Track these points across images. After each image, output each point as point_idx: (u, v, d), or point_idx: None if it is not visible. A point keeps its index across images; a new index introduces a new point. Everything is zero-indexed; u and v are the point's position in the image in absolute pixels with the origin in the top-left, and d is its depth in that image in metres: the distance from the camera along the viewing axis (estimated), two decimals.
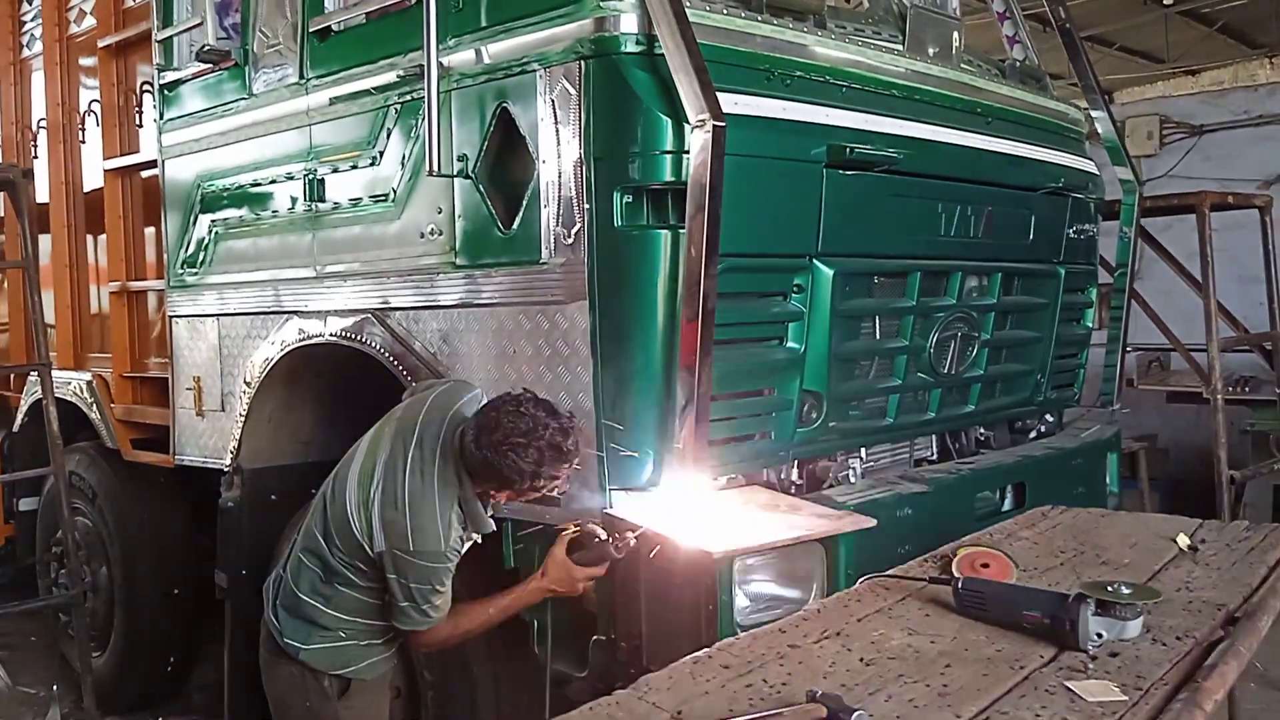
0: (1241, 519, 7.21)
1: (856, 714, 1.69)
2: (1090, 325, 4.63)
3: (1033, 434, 4.50)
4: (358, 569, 2.78)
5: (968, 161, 3.68)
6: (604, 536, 2.77)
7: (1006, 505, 3.92)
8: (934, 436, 4.08)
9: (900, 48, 3.60)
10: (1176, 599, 2.35)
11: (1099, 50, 14.31)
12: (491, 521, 2.85)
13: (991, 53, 4.66)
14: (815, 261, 3.19)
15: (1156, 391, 8.36)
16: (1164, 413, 8.68)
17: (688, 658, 2.06)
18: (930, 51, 3.66)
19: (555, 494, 2.81)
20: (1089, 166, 4.42)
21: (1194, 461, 7.73)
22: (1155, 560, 2.68)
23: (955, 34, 3.78)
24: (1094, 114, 4.60)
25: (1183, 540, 2.80)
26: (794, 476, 3.45)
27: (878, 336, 3.52)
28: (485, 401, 2.80)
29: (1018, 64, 4.32)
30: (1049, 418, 4.58)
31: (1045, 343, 4.22)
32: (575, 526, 2.86)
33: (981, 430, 4.28)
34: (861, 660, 2.01)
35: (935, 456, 4.09)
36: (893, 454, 3.91)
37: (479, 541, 2.90)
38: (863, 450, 3.71)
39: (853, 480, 3.57)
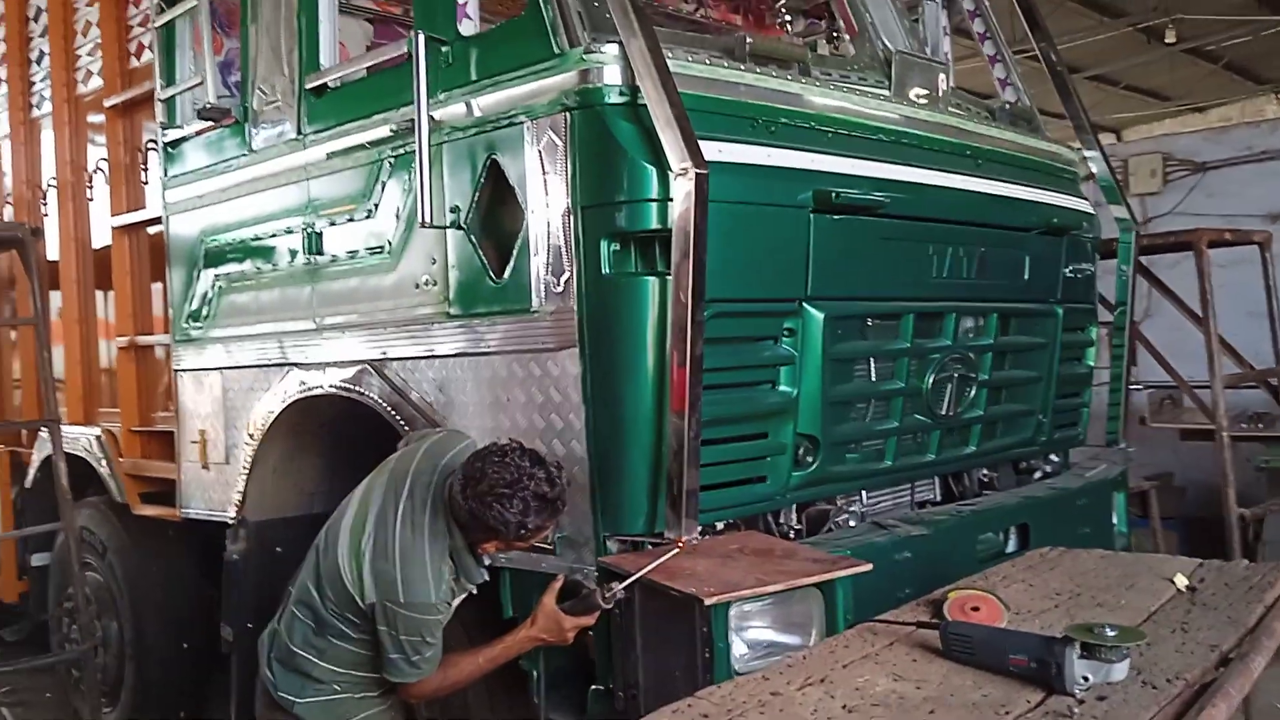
0: (1261, 557, 7.17)
1: None
2: (1092, 364, 4.62)
3: (1038, 474, 4.47)
4: (350, 621, 2.79)
5: (958, 204, 3.70)
6: (592, 586, 2.77)
7: (1010, 547, 3.89)
8: (936, 478, 4.07)
9: (887, 93, 3.63)
10: (1170, 640, 2.32)
11: (1105, 89, 14.40)
12: (483, 573, 2.86)
13: (989, 94, 4.71)
14: (805, 305, 3.20)
15: (1170, 429, 8.29)
16: (1179, 451, 8.59)
17: (666, 707, 2.05)
18: (916, 96, 3.70)
19: (547, 542, 2.81)
20: (1084, 206, 4.44)
21: (1211, 499, 7.63)
22: (1152, 601, 2.65)
23: (942, 78, 3.82)
24: (1087, 154, 4.62)
25: (1181, 581, 2.77)
26: (792, 521, 3.44)
27: (872, 379, 3.52)
28: (472, 452, 2.81)
29: (1008, 106, 4.34)
30: (1054, 458, 4.56)
31: (1046, 382, 4.21)
32: (564, 575, 2.86)
33: (985, 471, 4.27)
34: (844, 707, 1.99)
35: (938, 498, 4.07)
36: (894, 496, 3.89)
37: (474, 593, 2.90)
38: (862, 493, 3.71)
39: (852, 524, 3.56)
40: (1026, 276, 4.05)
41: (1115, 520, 4.43)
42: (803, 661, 2.30)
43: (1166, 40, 11.87)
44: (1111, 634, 2.04)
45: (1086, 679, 2.02)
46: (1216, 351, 5.40)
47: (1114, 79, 13.95)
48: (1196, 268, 5.44)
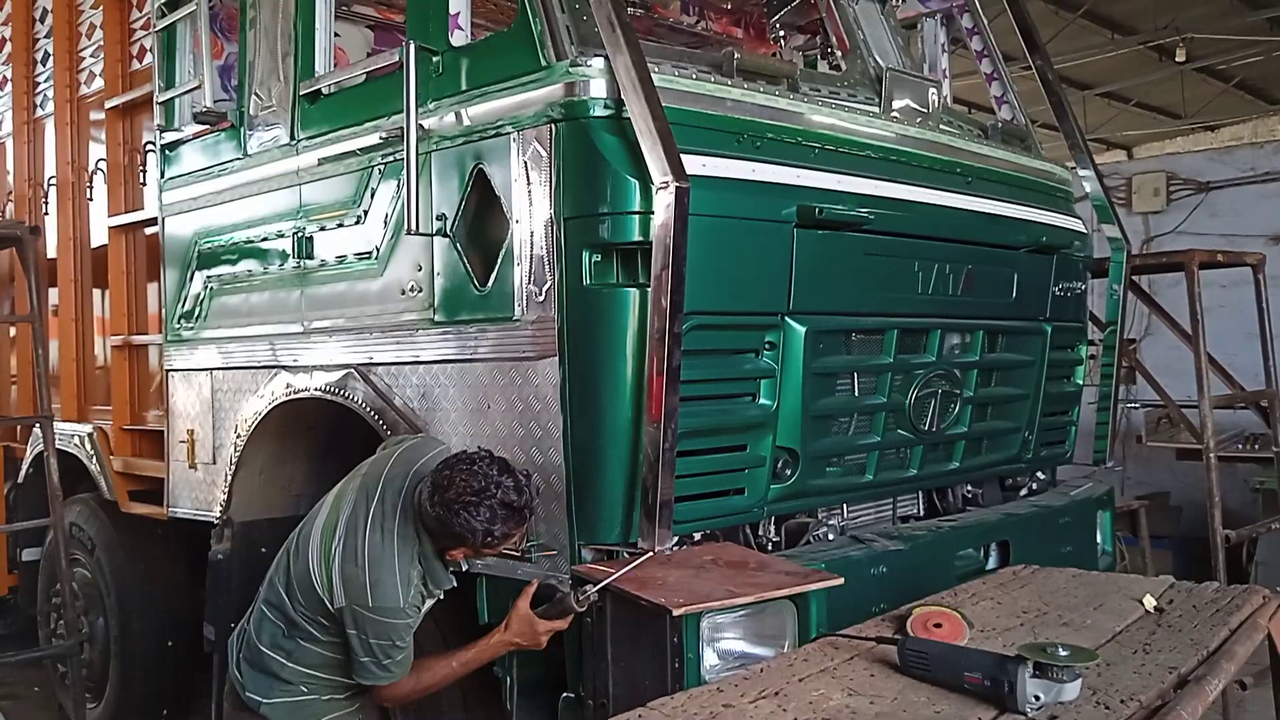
0: (1254, 578, 7.15)
1: None
2: (1081, 382, 4.63)
3: (1023, 491, 4.48)
4: (319, 624, 2.81)
5: (946, 221, 3.72)
6: (567, 590, 2.79)
7: (991, 564, 3.90)
8: (919, 493, 4.08)
9: (876, 109, 3.65)
10: (1131, 661, 2.33)
11: (1115, 106, 14.42)
12: (452, 579, 2.88)
13: (987, 110, 4.72)
14: (787, 319, 3.22)
15: (1168, 449, 8.29)
16: (1175, 470, 8.59)
17: (618, 717, 2.06)
18: (906, 112, 3.71)
19: (515, 549, 2.83)
20: (1076, 224, 4.44)
21: (1205, 519, 7.64)
22: (1118, 621, 2.66)
23: (933, 94, 3.84)
24: (1082, 172, 4.63)
25: (1149, 602, 2.78)
26: (770, 533, 3.46)
27: (855, 393, 3.53)
28: (441, 460, 2.83)
29: (1001, 124, 4.36)
30: (1041, 475, 4.56)
31: (1032, 400, 4.21)
32: (538, 580, 2.88)
33: (969, 488, 4.27)
34: None
35: (921, 514, 4.08)
36: (876, 511, 3.91)
37: (442, 599, 2.92)
38: (843, 507, 3.72)
39: (831, 537, 3.57)
40: (1014, 294, 4.06)
41: (1100, 539, 4.43)
42: (759, 674, 2.31)
43: (1177, 59, 11.88)
44: (1064, 654, 2.05)
45: (1038, 698, 2.03)
46: (1205, 371, 5.39)
47: (1125, 96, 13.98)
48: (1187, 288, 5.44)
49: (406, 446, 2.99)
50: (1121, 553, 6.03)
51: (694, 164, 2.88)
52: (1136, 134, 13.76)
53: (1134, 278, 5.61)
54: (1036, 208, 4.19)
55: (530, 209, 3.02)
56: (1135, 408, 8.54)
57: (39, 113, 5.68)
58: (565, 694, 2.98)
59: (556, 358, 2.98)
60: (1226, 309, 7.26)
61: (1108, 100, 13.85)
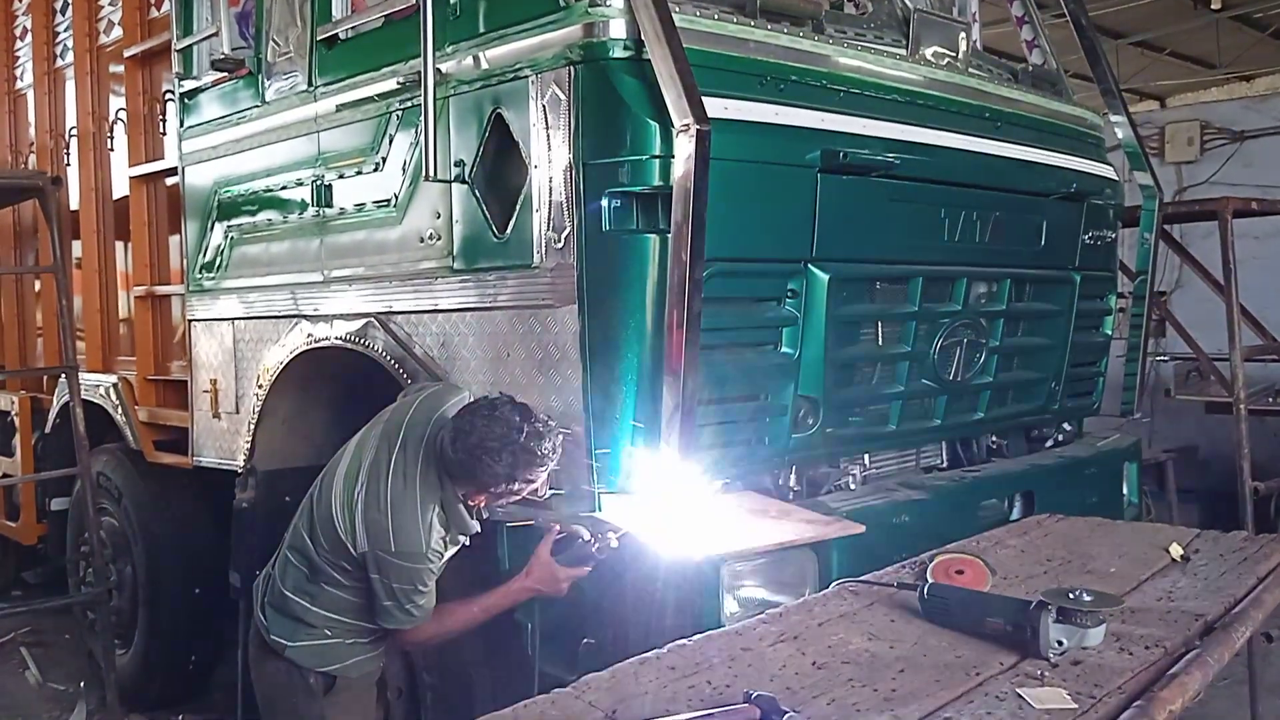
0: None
1: (788, 716, 1.68)
2: (1110, 333, 4.56)
3: (1049, 443, 4.43)
4: (342, 569, 2.82)
5: (973, 166, 3.65)
6: (588, 537, 2.78)
7: (1015, 514, 3.87)
8: (943, 444, 4.05)
9: (903, 52, 3.57)
10: (1156, 608, 2.30)
11: (1149, 55, 14.08)
12: (475, 524, 2.88)
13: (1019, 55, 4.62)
14: (810, 266, 3.18)
15: (1197, 402, 8.20)
16: (1204, 424, 8.49)
17: (635, 658, 2.06)
18: (935, 56, 3.63)
19: (537, 496, 2.83)
20: (1107, 171, 4.35)
21: (1233, 472, 7.57)
22: (1143, 569, 2.63)
23: (962, 38, 3.75)
24: (1114, 119, 4.53)
25: (1175, 550, 2.75)
26: (791, 482, 3.44)
27: (878, 342, 3.50)
28: (463, 406, 2.82)
29: (1031, 69, 4.26)
30: (1067, 426, 4.51)
31: (1059, 350, 4.16)
32: (560, 527, 2.87)
33: (994, 438, 4.23)
34: (814, 664, 1.99)
35: (945, 464, 4.05)
36: (899, 461, 3.88)
37: (467, 544, 2.92)
38: (866, 456, 3.69)
39: (852, 486, 3.54)
40: (1043, 242, 4.00)
41: (1125, 490, 4.38)
42: (779, 618, 2.31)
43: (1212, 6, 11.58)
44: (1088, 599, 2.02)
45: (1061, 643, 2.01)
46: (1237, 322, 5.31)
47: (1159, 45, 13.63)
48: (1220, 237, 5.33)
49: (428, 394, 2.98)
50: (1148, 505, 6.00)
51: (716, 107, 2.82)
52: (1170, 84, 13.46)
53: (1166, 228, 5.53)
54: (1067, 154, 4.11)
55: (549, 154, 2.97)
56: (1165, 361, 8.43)
57: (59, 63, 5.65)
58: (586, 639, 2.98)
59: (576, 305, 2.95)
60: (1260, 261, 7.15)
61: (1141, 50, 13.52)
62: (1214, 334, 6.21)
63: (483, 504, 2.81)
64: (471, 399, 2.92)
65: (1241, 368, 5.30)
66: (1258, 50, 12.43)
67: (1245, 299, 5.68)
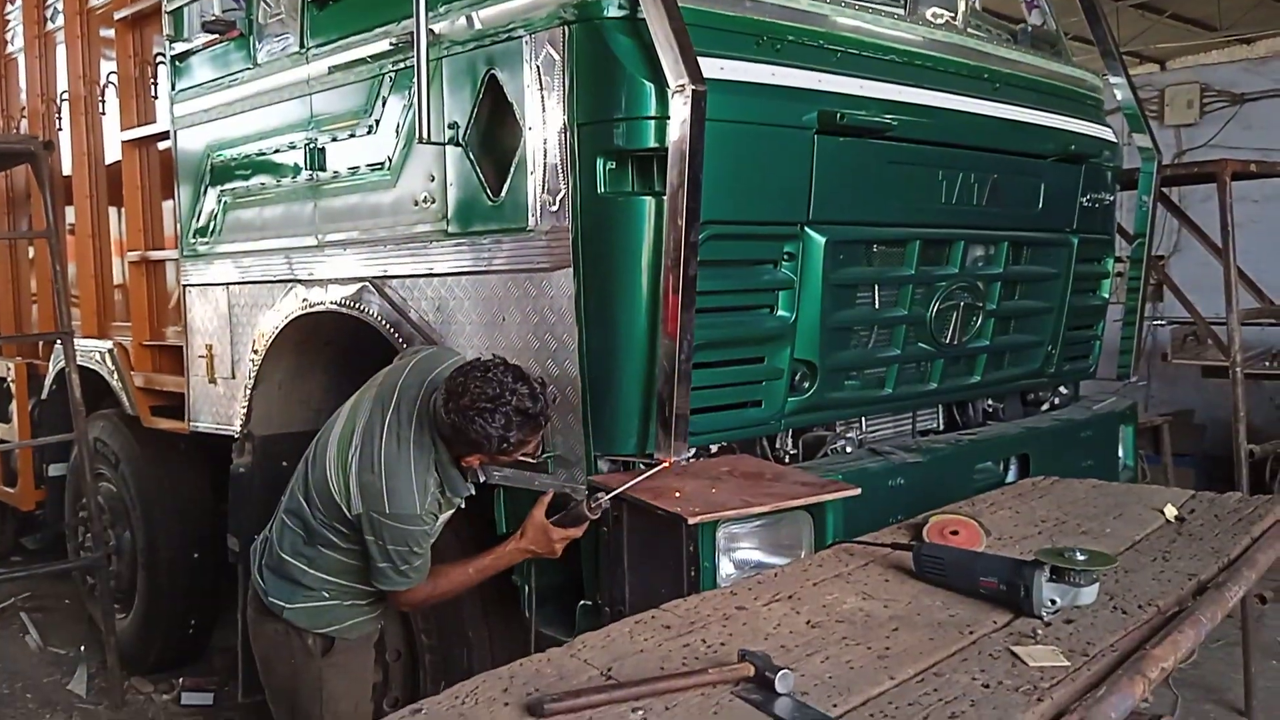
0: (1277, 493, 7.12)
1: (781, 673, 1.69)
2: (1107, 296, 4.55)
3: (1045, 406, 4.44)
4: (338, 531, 2.83)
5: (971, 128, 3.62)
6: (580, 499, 2.79)
7: (1011, 477, 3.87)
8: (940, 407, 4.05)
9: (901, 11, 3.54)
10: (1150, 568, 2.31)
11: (1149, 18, 13.98)
12: (470, 486, 2.88)
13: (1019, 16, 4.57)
14: (806, 229, 3.16)
15: (1194, 366, 8.21)
16: (1201, 388, 8.52)
17: (630, 618, 2.07)
18: (933, 16, 3.60)
19: (531, 457, 2.83)
20: (1105, 133, 4.32)
21: (1229, 437, 7.59)
22: (1138, 530, 2.64)
23: None
24: (1113, 80, 4.50)
25: (1170, 511, 2.75)
26: (788, 445, 3.44)
27: (875, 306, 3.48)
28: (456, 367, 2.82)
29: (1030, 29, 4.22)
30: (1063, 390, 4.51)
31: (1056, 313, 4.15)
32: (553, 490, 2.88)
33: (990, 402, 4.23)
34: (808, 623, 2.00)
35: (941, 427, 4.05)
36: (895, 424, 3.88)
37: (462, 506, 2.93)
38: (862, 420, 3.69)
39: (849, 450, 3.54)
40: (1041, 204, 3.98)
41: (1121, 454, 4.39)
42: (773, 579, 2.31)
43: None
44: (1081, 558, 2.03)
45: (1054, 602, 2.02)
46: (1235, 286, 5.30)
47: (1159, 8, 13.53)
48: (1219, 199, 5.31)
49: (422, 356, 2.98)
50: (1144, 469, 6.02)
51: (711, 67, 2.80)
52: (1170, 46, 13.36)
53: (1164, 191, 5.50)
54: (1065, 115, 4.08)
55: (543, 115, 2.95)
56: (1162, 325, 8.43)
57: (49, 27, 5.58)
58: (583, 601, 3.00)
59: (571, 268, 2.93)
60: (1259, 224, 7.13)
61: (1141, 12, 13.44)
62: (1212, 298, 6.19)
63: (476, 464, 2.81)
64: (464, 361, 2.91)
65: (1239, 331, 5.30)
66: (1258, 12, 12.32)
67: (1243, 263, 5.67)
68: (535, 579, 3.12)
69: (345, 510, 2.77)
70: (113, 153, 5.14)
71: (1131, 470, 4.51)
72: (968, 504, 2.98)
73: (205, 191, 4.29)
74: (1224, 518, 2.72)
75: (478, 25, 3.11)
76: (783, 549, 2.96)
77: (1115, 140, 4.40)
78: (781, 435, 3.41)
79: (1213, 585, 2.19)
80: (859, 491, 2.88)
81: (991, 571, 2.12)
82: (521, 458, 2.80)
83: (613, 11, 2.84)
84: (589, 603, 2.99)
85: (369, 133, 3.50)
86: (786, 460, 3.41)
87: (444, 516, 2.87)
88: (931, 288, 3.61)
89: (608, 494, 2.72)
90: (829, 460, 3.41)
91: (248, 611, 3.11)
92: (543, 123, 2.95)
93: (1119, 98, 4.52)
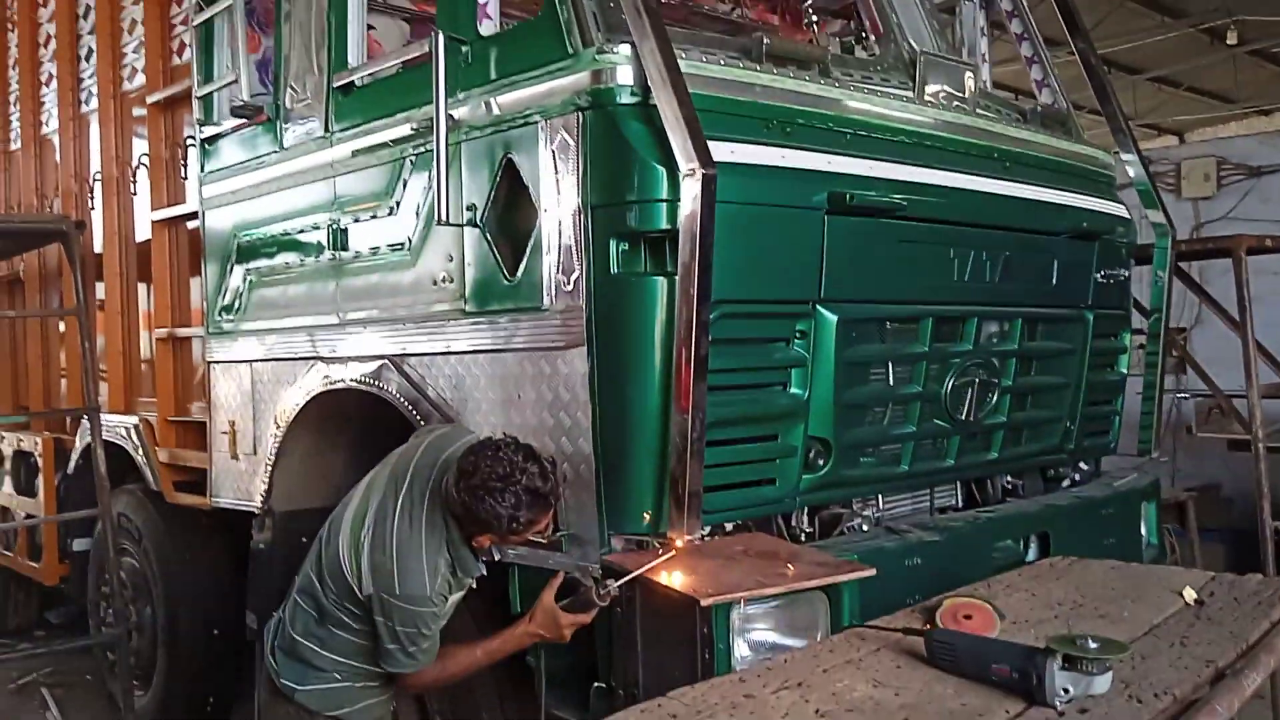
0: None
1: None
2: (1125, 371, 4.54)
3: (1066, 483, 4.40)
4: (350, 611, 2.83)
5: (982, 207, 3.66)
6: (589, 584, 2.78)
7: (1031, 555, 3.83)
8: (958, 484, 4.03)
9: (910, 94, 3.60)
10: (1167, 654, 2.28)
11: (1166, 91, 14.14)
12: (481, 566, 2.89)
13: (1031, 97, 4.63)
14: (818, 307, 3.19)
15: (1219, 439, 8.12)
16: (1228, 461, 8.40)
17: (635, 706, 2.05)
18: (941, 97, 3.66)
19: (543, 536, 2.84)
20: (1118, 210, 4.35)
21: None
22: (1156, 614, 2.60)
23: (969, 78, 3.78)
24: (1124, 156, 4.54)
25: (1189, 594, 2.72)
26: (804, 524, 3.43)
27: (889, 383, 3.49)
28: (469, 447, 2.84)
29: (1040, 109, 4.28)
30: (1084, 466, 4.48)
31: (1073, 389, 4.14)
32: (563, 573, 2.88)
33: (1009, 478, 4.21)
34: (817, 712, 1.98)
35: (960, 505, 4.03)
36: (913, 501, 3.86)
37: (474, 587, 2.93)
38: (879, 497, 3.68)
39: (865, 528, 3.53)
40: (1055, 281, 3.99)
41: (1144, 531, 4.34)
42: (783, 665, 2.29)
43: (1228, 41, 11.60)
44: (1094, 646, 2.00)
45: (1067, 691, 1.99)
46: (1254, 359, 5.27)
47: (1176, 81, 13.69)
48: (1234, 274, 5.31)
49: (436, 435, 3.01)
50: (1171, 545, 5.93)
51: (721, 151, 2.85)
52: (1187, 119, 13.46)
53: (1184, 265, 5.50)
54: (1077, 193, 4.11)
55: (558, 198, 3.01)
56: (1185, 398, 8.36)
57: (84, 109, 5.76)
58: (596, 684, 2.98)
59: (585, 347, 2.97)
60: (1278, 296, 7.08)
61: (1158, 85, 13.58)
62: (1235, 370, 6.15)
63: (488, 544, 2.82)
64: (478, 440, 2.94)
65: (1260, 405, 5.25)
66: (1276, 84, 12.38)
67: (1263, 335, 5.64)
68: (548, 660, 3.10)
69: (357, 590, 2.78)
70: (143, 232, 5.27)
71: (1156, 548, 4.46)
72: (983, 586, 2.95)
73: (231, 270, 4.38)
74: (1244, 600, 2.68)
75: (496, 111, 3.20)
76: (798, 630, 2.94)
77: (1128, 216, 4.42)
78: (797, 513, 3.39)
79: (1230, 672, 2.15)
80: (874, 572, 2.86)
81: (1004, 659, 2.09)
82: (533, 537, 2.80)
83: (625, 98, 2.92)
84: (603, 685, 2.97)
85: (390, 214, 3.58)
86: (803, 538, 3.39)
87: (454, 598, 2.88)
88: (946, 364, 3.62)
89: (616, 581, 2.71)
90: (845, 539, 3.40)
91: (261, 694, 3.10)
92: (558, 205, 3.02)
93: (1131, 174, 4.55)
